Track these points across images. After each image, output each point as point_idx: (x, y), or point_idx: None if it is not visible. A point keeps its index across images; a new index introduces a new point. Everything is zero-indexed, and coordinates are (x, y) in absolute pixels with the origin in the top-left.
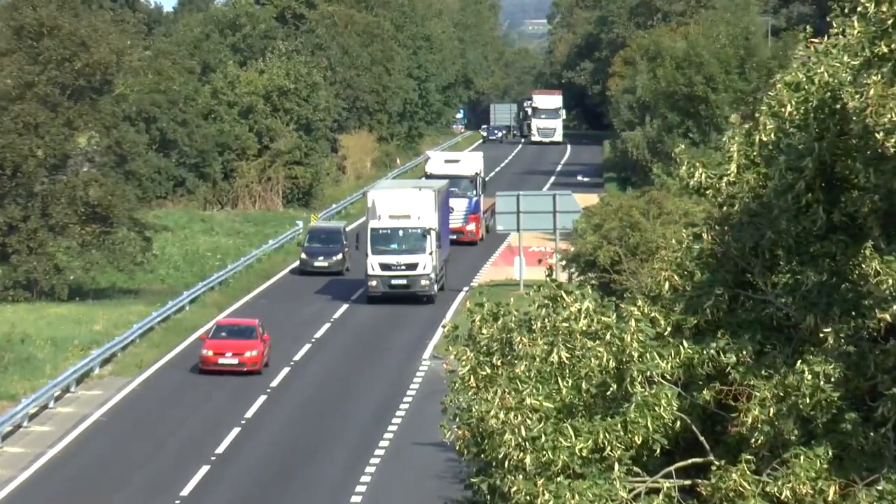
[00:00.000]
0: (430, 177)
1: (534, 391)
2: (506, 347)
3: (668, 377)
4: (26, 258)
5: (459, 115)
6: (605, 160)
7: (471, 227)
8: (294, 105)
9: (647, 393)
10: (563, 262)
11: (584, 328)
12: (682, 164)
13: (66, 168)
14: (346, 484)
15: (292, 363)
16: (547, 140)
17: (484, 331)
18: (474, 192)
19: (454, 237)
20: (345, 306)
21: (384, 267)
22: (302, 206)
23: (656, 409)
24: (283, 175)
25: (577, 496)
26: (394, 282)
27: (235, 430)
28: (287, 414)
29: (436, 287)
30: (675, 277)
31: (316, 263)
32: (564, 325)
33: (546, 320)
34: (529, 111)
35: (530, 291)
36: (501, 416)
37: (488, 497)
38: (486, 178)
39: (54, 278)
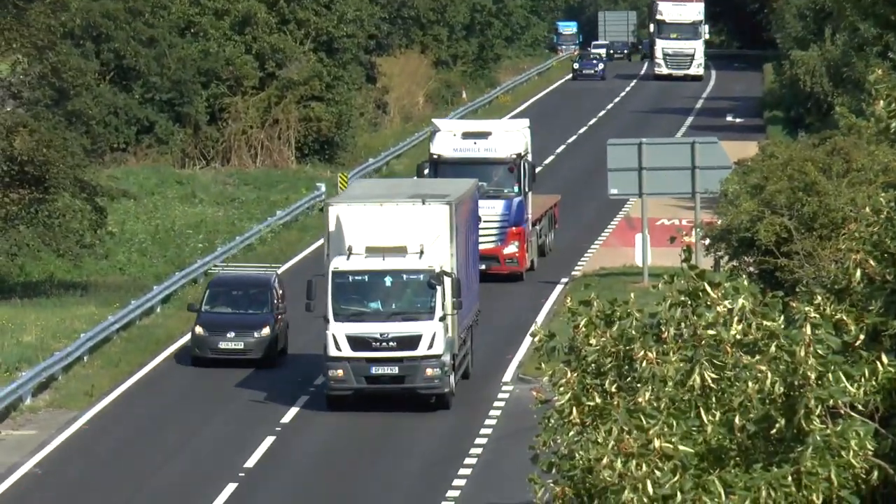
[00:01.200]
0: (438, 163)
1: (665, 429)
2: (624, 366)
3: (861, 408)
4: None
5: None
6: (765, 93)
7: (510, 249)
8: (311, 14)
9: (829, 431)
10: (707, 241)
11: (738, 337)
12: (880, 98)
13: None
14: None
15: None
16: (680, 73)
17: (592, 341)
18: (515, 189)
19: (483, 267)
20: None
21: (357, 344)
22: (324, 161)
23: (843, 453)
24: (295, 117)
25: None
26: (375, 370)
27: (231, 486)
28: (306, 464)
29: (453, 379)
30: (871, 262)
31: (221, 345)
32: (709, 332)
33: (682, 326)
34: (652, 28)
35: (659, 284)
36: (618, 465)
37: None
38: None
39: None
